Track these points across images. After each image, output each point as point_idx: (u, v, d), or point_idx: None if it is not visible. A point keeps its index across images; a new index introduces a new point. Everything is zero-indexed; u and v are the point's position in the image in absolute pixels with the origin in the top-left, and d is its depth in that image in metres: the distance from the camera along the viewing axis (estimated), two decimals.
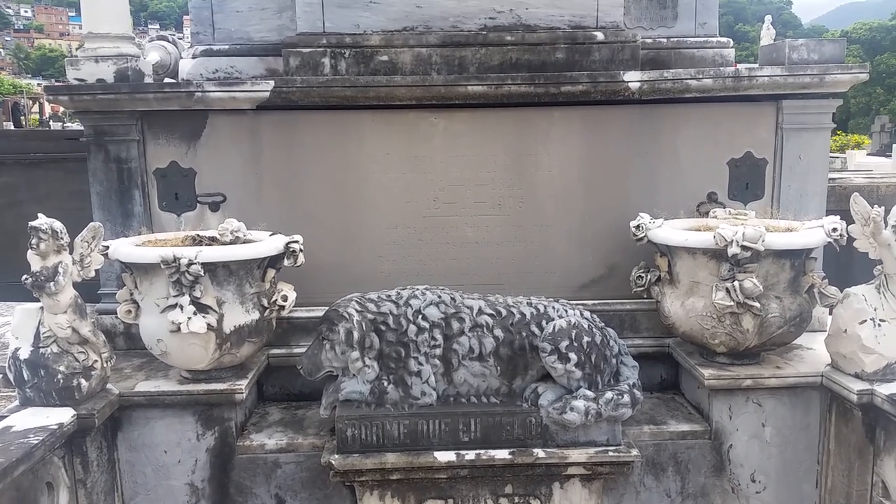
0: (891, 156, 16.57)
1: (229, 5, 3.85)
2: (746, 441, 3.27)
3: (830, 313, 3.24)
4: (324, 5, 3.63)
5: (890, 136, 25.94)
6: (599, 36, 3.65)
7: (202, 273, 2.91)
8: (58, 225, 2.76)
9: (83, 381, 2.84)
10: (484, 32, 3.67)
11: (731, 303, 3.02)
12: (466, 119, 3.63)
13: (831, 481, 3.20)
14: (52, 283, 2.74)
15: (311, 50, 3.58)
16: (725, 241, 2.96)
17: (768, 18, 17.26)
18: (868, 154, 20.41)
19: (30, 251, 2.74)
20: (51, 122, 35.46)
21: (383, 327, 2.96)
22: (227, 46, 3.83)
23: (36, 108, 37.20)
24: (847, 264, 4.12)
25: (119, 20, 3.53)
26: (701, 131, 3.67)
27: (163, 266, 2.89)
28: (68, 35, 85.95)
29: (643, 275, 3.48)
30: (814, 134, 3.67)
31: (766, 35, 16.48)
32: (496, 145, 3.66)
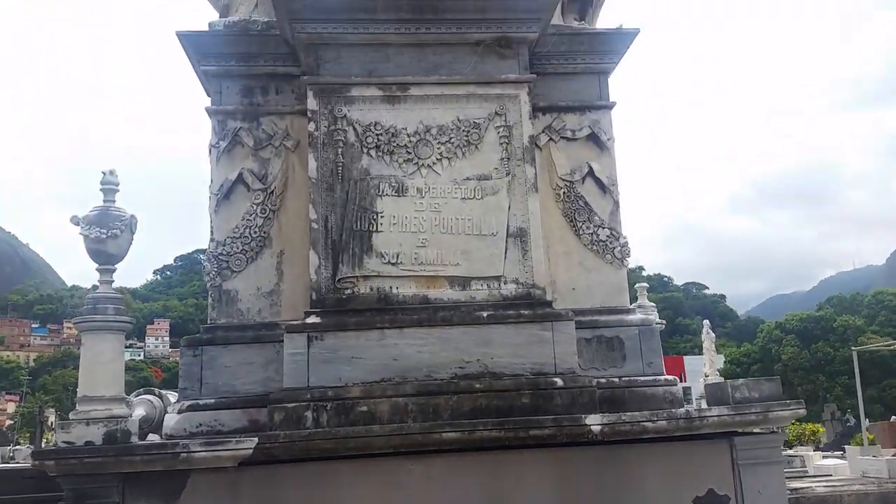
0: (844, 454, 16.90)
1: (219, 361, 4.16)
2: None
3: None
4: (309, 362, 3.95)
5: (842, 424, 26.51)
6: (559, 382, 3.99)
7: None
8: None
9: None
10: (455, 381, 3.99)
11: None
12: (442, 464, 3.78)
13: None
14: None
15: (295, 405, 3.82)
16: None
17: (706, 324, 18.58)
18: (823, 449, 20.73)
19: None
20: None
21: None
22: (213, 400, 4.05)
23: None
24: None
25: (114, 383, 3.76)
26: (663, 469, 3.88)
27: None
28: (28, 346, 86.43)
29: None
30: (768, 468, 3.90)
31: (707, 339, 17.64)
32: (471, 491, 3.77)
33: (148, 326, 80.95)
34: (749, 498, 3.82)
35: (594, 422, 3.77)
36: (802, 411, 3.90)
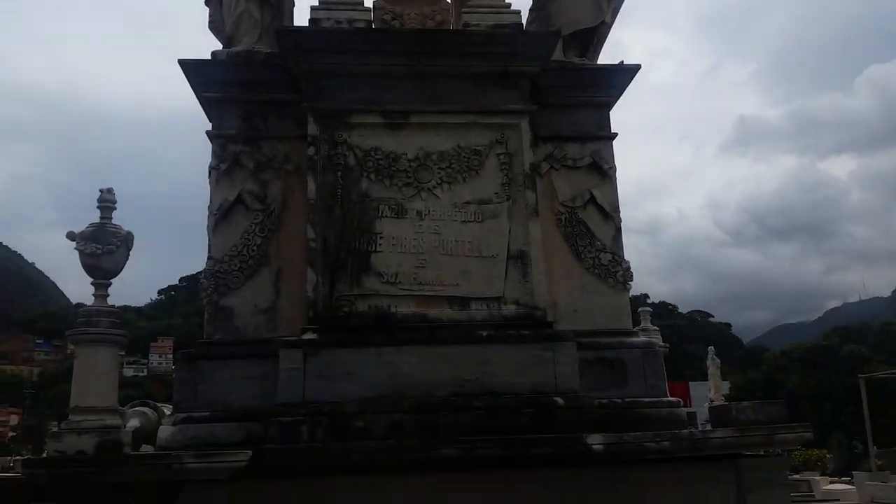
0: (852, 479, 16.70)
1: (214, 375, 4.11)
2: None
3: None
4: (305, 376, 3.91)
5: (849, 451, 26.21)
6: (560, 401, 3.94)
7: None
8: None
9: None
10: (454, 399, 3.94)
11: None
12: (440, 483, 3.71)
13: None
14: None
15: (290, 419, 3.77)
16: None
17: (711, 350, 18.52)
18: (830, 475, 20.47)
19: None
20: None
21: None
22: (207, 413, 4.00)
23: None
24: None
25: (107, 394, 3.73)
26: (666, 492, 3.80)
27: None
28: (32, 361, 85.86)
29: None
30: (773, 490, 3.83)
31: (712, 364, 17.58)
32: None
33: (152, 344, 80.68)
34: None
35: (596, 441, 3.71)
36: (809, 435, 3.84)
